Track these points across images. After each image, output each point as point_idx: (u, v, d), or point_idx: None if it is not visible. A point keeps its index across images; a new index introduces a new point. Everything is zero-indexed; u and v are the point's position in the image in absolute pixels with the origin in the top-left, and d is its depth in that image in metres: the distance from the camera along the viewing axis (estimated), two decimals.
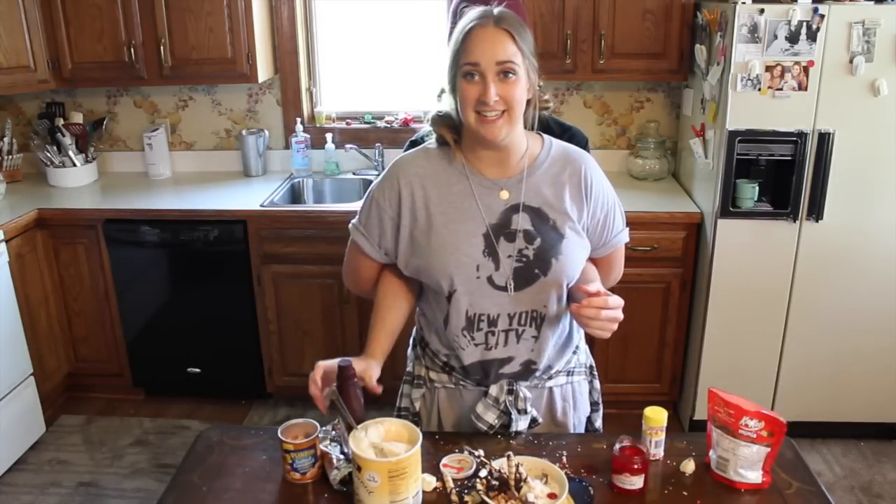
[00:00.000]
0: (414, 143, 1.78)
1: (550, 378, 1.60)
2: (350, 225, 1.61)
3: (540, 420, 1.59)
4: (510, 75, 1.39)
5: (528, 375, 1.57)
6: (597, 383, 1.72)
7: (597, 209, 1.55)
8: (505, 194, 1.49)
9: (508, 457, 1.32)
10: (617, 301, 1.41)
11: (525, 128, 1.51)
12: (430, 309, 1.59)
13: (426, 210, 1.50)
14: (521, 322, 1.52)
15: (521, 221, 1.48)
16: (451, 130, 1.51)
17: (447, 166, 1.52)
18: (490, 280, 1.49)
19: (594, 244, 1.57)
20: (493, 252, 1.48)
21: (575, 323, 1.61)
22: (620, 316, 1.42)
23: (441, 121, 1.52)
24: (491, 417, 1.55)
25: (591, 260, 1.60)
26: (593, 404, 1.72)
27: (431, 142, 1.58)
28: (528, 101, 1.47)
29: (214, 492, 1.43)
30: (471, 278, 1.48)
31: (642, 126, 3.44)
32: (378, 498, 1.28)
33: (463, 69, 1.41)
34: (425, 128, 1.64)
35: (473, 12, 1.44)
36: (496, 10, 1.42)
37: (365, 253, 1.58)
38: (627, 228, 1.64)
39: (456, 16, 1.77)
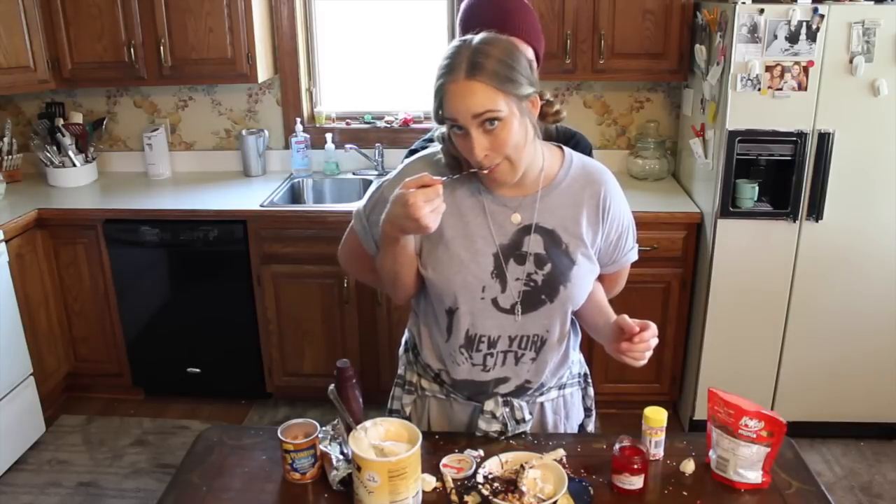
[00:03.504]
0: (413, 151, 1.69)
1: (542, 395, 1.58)
2: (355, 210, 1.54)
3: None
4: (494, 122, 1.27)
5: (522, 394, 1.54)
6: (590, 390, 1.70)
7: (611, 232, 1.49)
8: (517, 217, 1.43)
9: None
10: (655, 330, 1.37)
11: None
12: (430, 316, 1.54)
13: None
14: (521, 345, 1.49)
15: (533, 244, 1.43)
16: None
17: (459, 179, 1.42)
18: (494, 302, 1.44)
19: (603, 263, 1.52)
20: (501, 273, 1.43)
21: (572, 342, 1.59)
22: (656, 341, 1.38)
23: (449, 142, 1.40)
24: (495, 428, 1.53)
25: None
26: (586, 409, 1.70)
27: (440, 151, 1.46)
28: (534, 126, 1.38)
29: (214, 492, 1.43)
30: (475, 298, 1.44)
31: (642, 126, 3.44)
32: (378, 498, 1.28)
33: (447, 124, 1.32)
34: (431, 133, 1.57)
35: (447, 56, 1.31)
36: (471, 50, 1.28)
37: (364, 245, 1.53)
38: (637, 246, 1.59)
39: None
